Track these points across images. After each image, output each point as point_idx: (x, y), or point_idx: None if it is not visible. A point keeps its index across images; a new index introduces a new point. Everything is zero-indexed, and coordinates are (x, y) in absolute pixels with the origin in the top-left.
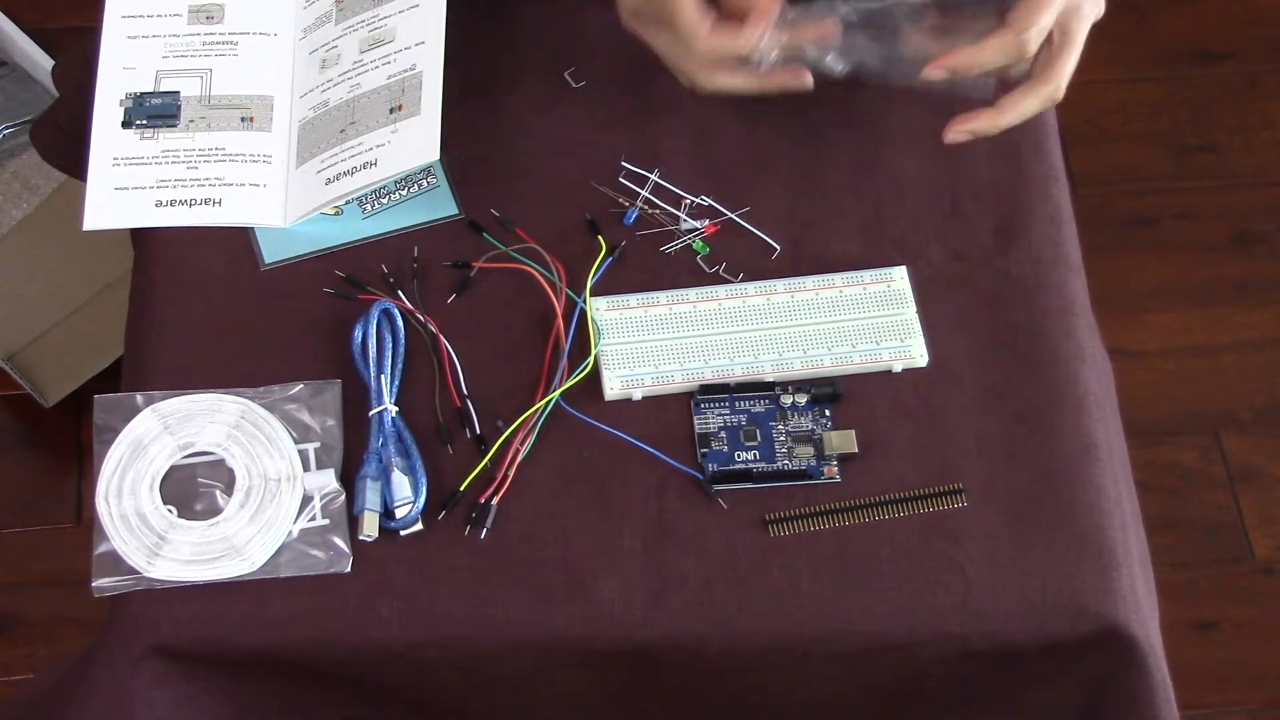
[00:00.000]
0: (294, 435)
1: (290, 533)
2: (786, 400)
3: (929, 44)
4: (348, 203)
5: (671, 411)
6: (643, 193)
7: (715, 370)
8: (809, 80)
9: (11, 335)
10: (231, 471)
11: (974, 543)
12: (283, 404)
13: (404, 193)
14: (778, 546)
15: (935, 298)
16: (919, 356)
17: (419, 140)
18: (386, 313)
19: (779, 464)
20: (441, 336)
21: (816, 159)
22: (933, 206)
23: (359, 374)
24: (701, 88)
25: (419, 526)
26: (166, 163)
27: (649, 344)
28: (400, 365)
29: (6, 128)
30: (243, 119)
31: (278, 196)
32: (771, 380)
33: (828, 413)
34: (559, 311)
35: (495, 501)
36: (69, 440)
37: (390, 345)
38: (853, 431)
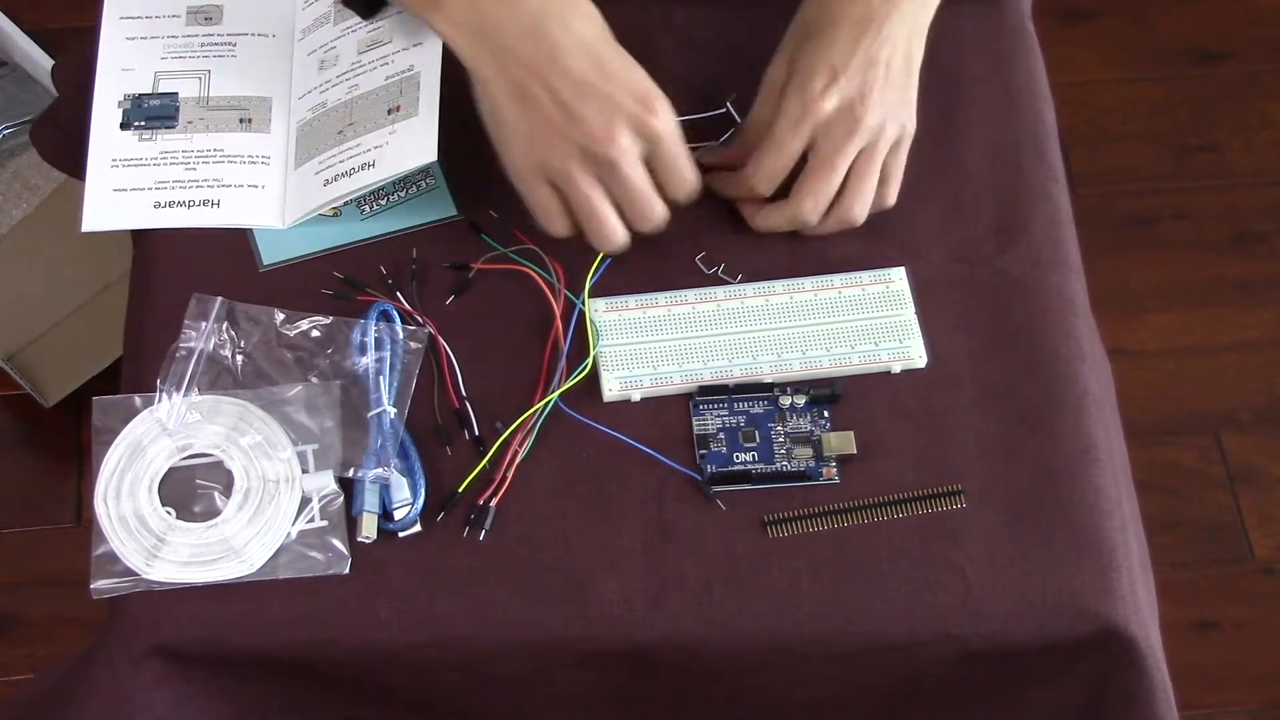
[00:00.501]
0: (292, 437)
1: (289, 534)
2: (785, 401)
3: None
4: (346, 204)
5: (670, 413)
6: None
7: (714, 371)
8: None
9: (11, 335)
10: (230, 473)
11: (974, 543)
12: (281, 405)
13: (403, 194)
14: (777, 547)
15: (934, 298)
16: (918, 357)
17: (417, 141)
18: (385, 314)
19: (778, 465)
20: (440, 338)
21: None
22: (932, 207)
23: (357, 375)
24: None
25: (418, 528)
26: (165, 164)
27: (648, 345)
28: (399, 366)
29: (6, 128)
30: (241, 120)
31: (276, 198)
32: (770, 381)
33: (826, 414)
34: (558, 313)
35: (494, 503)
36: (69, 440)
37: (389, 346)
38: (851, 433)
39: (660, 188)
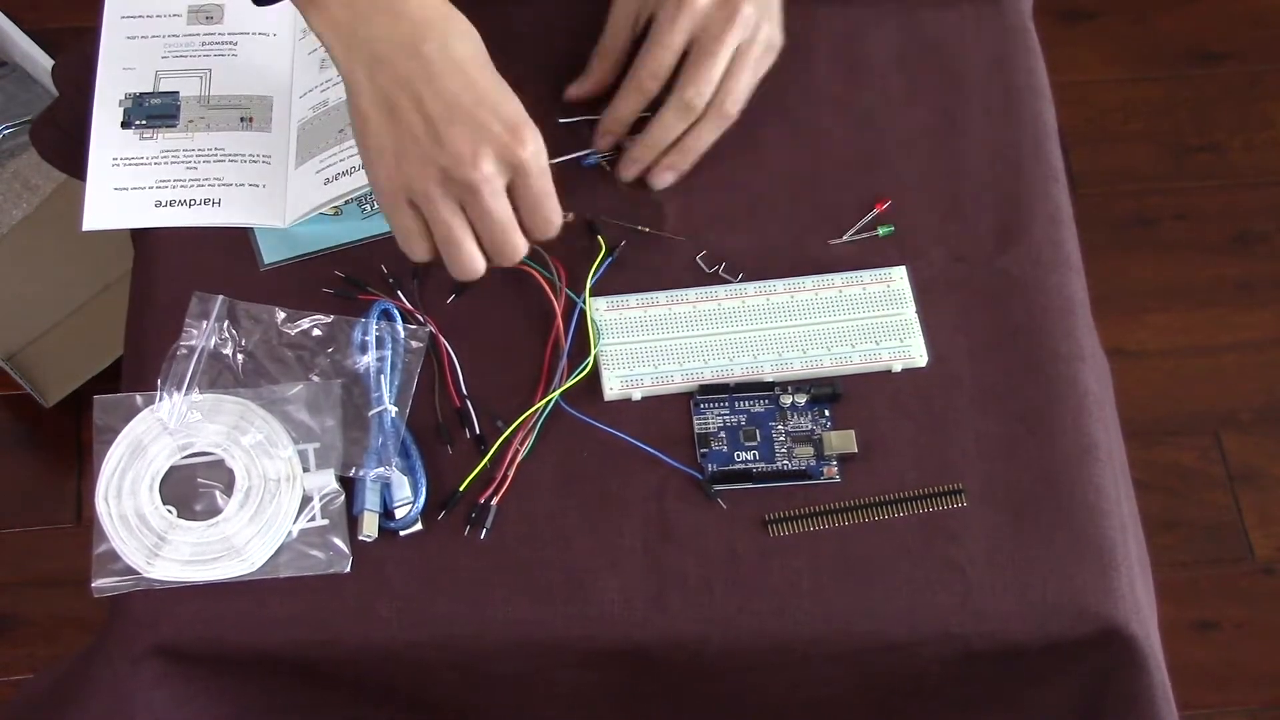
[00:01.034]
0: (293, 435)
1: (290, 533)
2: (786, 400)
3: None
4: (347, 203)
5: (671, 411)
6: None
7: (715, 370)
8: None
9: (11, 335)
10: (231, 472)
11: (974, 543)
12: (282, 404)
13: None
14: (778, 546)
15: (935, 298)
16: (919, 356)
17: None
18: (386, 313)
19: (779, 464)
20: (441, 336)
21: (816, 159)
22: (932, 207)
23: (358, 374)
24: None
25: (419, 527)
26: (166, 163)
27: (648, 344)
28: (400, 365)
29: (6, 128)
30: (242, 119)
31: (277, 197)
32: (771, 380)
33: (827, 413)
34: (558, 311)
35: (495, 502)
36: (69, 440)
37: (390, 345)
38: (852, 432)
39: (521, 222)
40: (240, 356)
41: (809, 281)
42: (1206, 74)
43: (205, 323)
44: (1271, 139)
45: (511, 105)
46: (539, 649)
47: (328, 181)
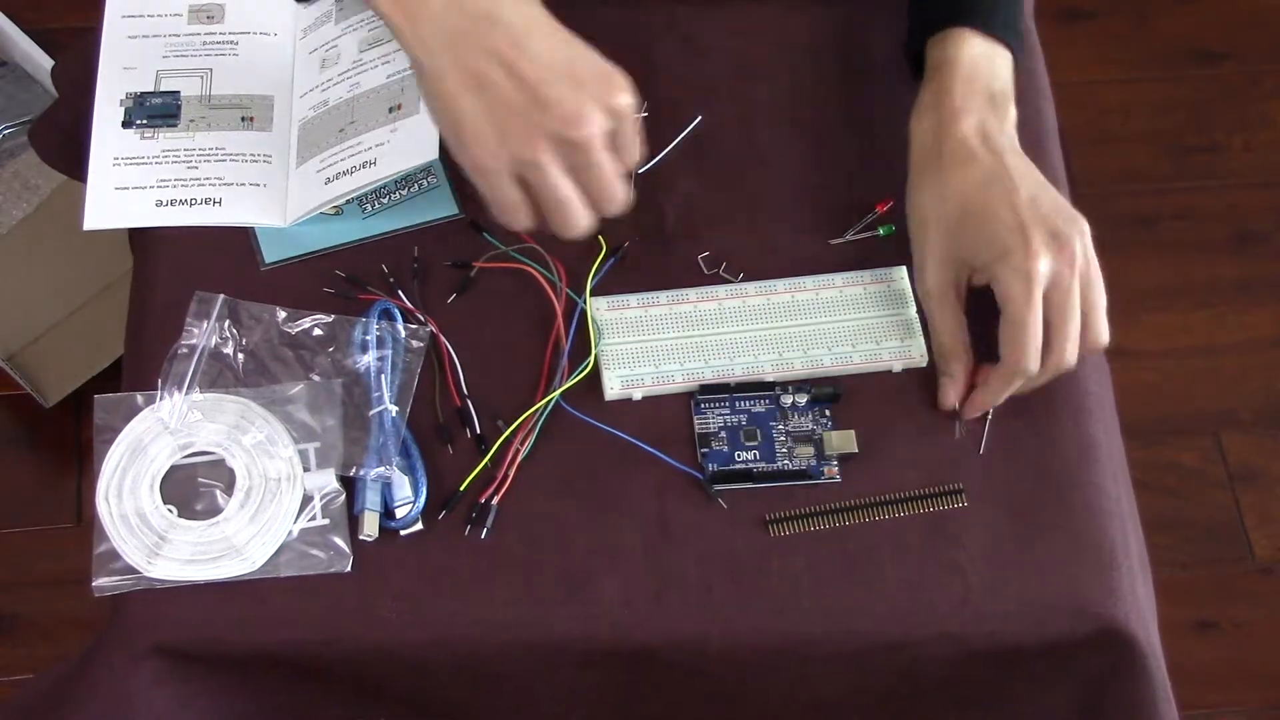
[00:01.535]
0: (294, 435)
1: (290, 533)
2: (787, 400)
3: None
4: (348, 202)
5: (672, 411)
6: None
7: (715, 370)
8: None
9: (11, 335)
10: (231, 471)
11: (974, 543)
12: (283, 404)
13: (404, 192)
14: (778, 546)
15: None
16: (919, 356)
17: (418, 139)
18: (387, 312)
19: (779, 464)
20: (442, 336)
21: (816, 159)
22: None
23: (359, 374)
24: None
25: (419, 526)
26: (166, 162)
27: (649, 344)
28: (400, 365)
29: (6, 128)
30: (243, 119)
31: (278, 196)
32: (772, 380)
33: (828, 413)
34: (559, 311)
35: (495, 501)
36: (69, 440)
37: (390, 345)
38: (853, 431)
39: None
40: (241, 356)
41: (810, 281)
42: (1206, 74)
43: (206, 322)
44: (1271, 139)
45: (593, 54)
46: (539, 649)
47: (328, 181)
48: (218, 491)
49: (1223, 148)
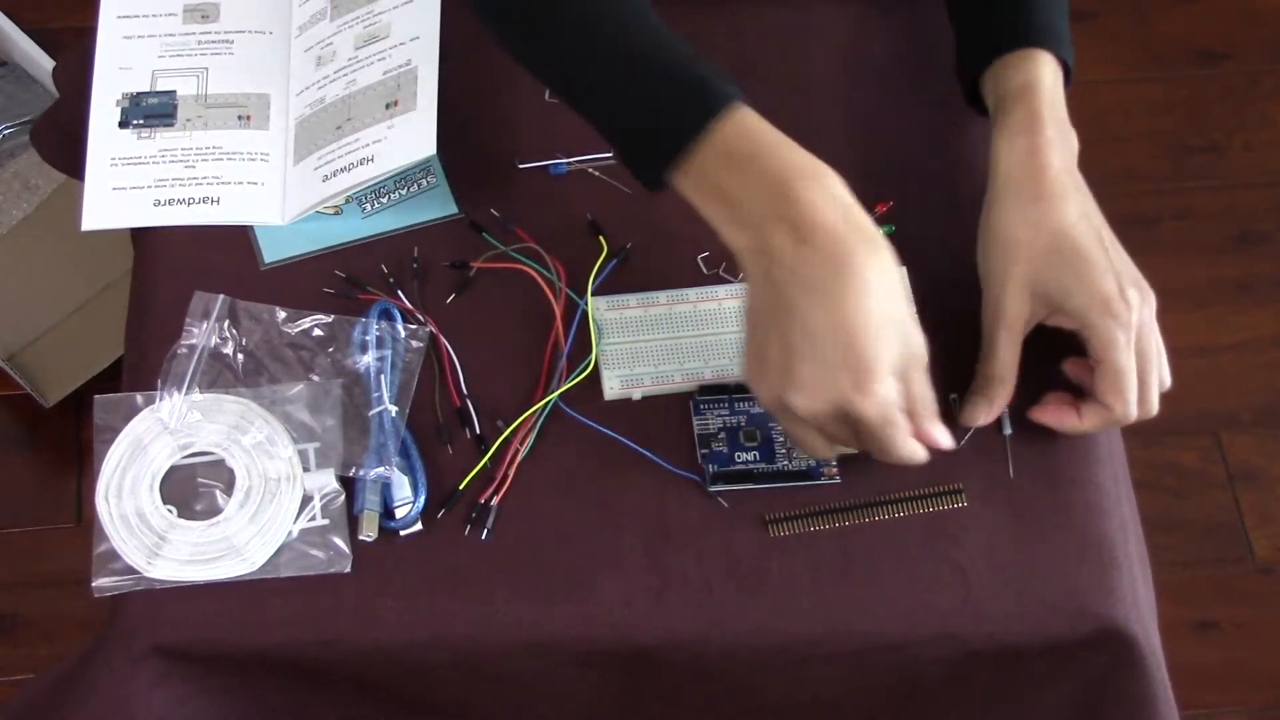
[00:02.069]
0: (294, 435)
1: (290, 533)
2: None
3: None
4: (347, 201)
5: (671, 412)
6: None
7: (715, 370)
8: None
9: (11, 335)
10: (231, 471)
11: (974, 543)
12: (283, 404)
13: (404, 192)
14: (778, 546)
15: (935, 297)
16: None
17: (415, 135)
18: (386, 313)
19: (779, 464)
20: (441, 336)
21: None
22: (932, 206)
23: (359, 374)
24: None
25: (419, 526)
26: (164, 162)
27: (649, 344)
28: (400, 365)
29: (6, 128)
30: (239, 117)
31: (275, 194)
32: None
33: None
34: (559, 312)
35: (495, 501)
36: (69, 440)
37: (390, 345)
38: None
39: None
40: (241, 356)
41: None
42: (1206, 74)
43: (206, 322)
44: (1271, 139)
45: (912, 337)
46: (539, 649)
47: (326, 178)
48: (217, 492)
49: (1223, 148)
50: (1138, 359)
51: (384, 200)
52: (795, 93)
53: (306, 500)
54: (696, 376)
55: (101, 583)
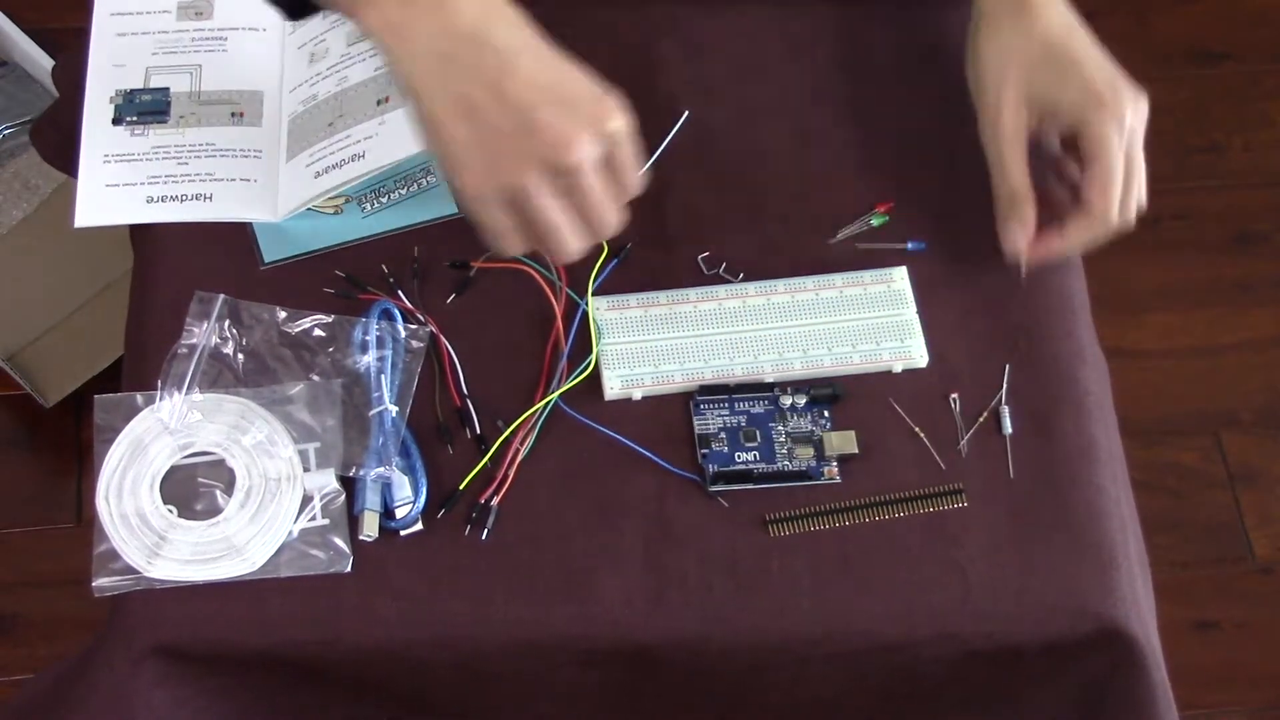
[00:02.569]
0: (294, 435)
1: (290, 533)
2: (786, 401)
3: None
4: (347, 201)
5: (672, 411)
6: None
7: (715, 370)
8: None
9: (11, 335)
10: (231, 471)
11: (974, 543)
12: (283, 404)
13: (404, 191)
14: (778, 546)
15: (935, 298)
16: (919, 357)
17: (406, 131)
18: (386, 312)
19: (779, 465)
20: (441, 336)
21: (816, 159)
22: (932, 207)
23: (359, 373)
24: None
25: (419, 526)
26: (157, 159)
27: (649, 344)
28: (400, 365)
29: (6, 128)
30: (232, 114)
31: (269, 190)
32: (771, 381)
33: (827, 414)
34: (559, 312)
35: (495, 501)
36: (69, 440)
37: (390, 345)
38: (853, 432)
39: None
40: (241, 356)
41: (809, 282)
42: (1206, 74)
43: (206, 322)
44: (1271, 139)
45: (586, 78)
46: (539, 649)
47: (319, 175)
48: (218, 491)
49: (1223, 148)
50: (1126, 162)
51: (384, 200)
52: (795, 93)
53: (306, 500)
54: (696, 376)
55: (101, 583)
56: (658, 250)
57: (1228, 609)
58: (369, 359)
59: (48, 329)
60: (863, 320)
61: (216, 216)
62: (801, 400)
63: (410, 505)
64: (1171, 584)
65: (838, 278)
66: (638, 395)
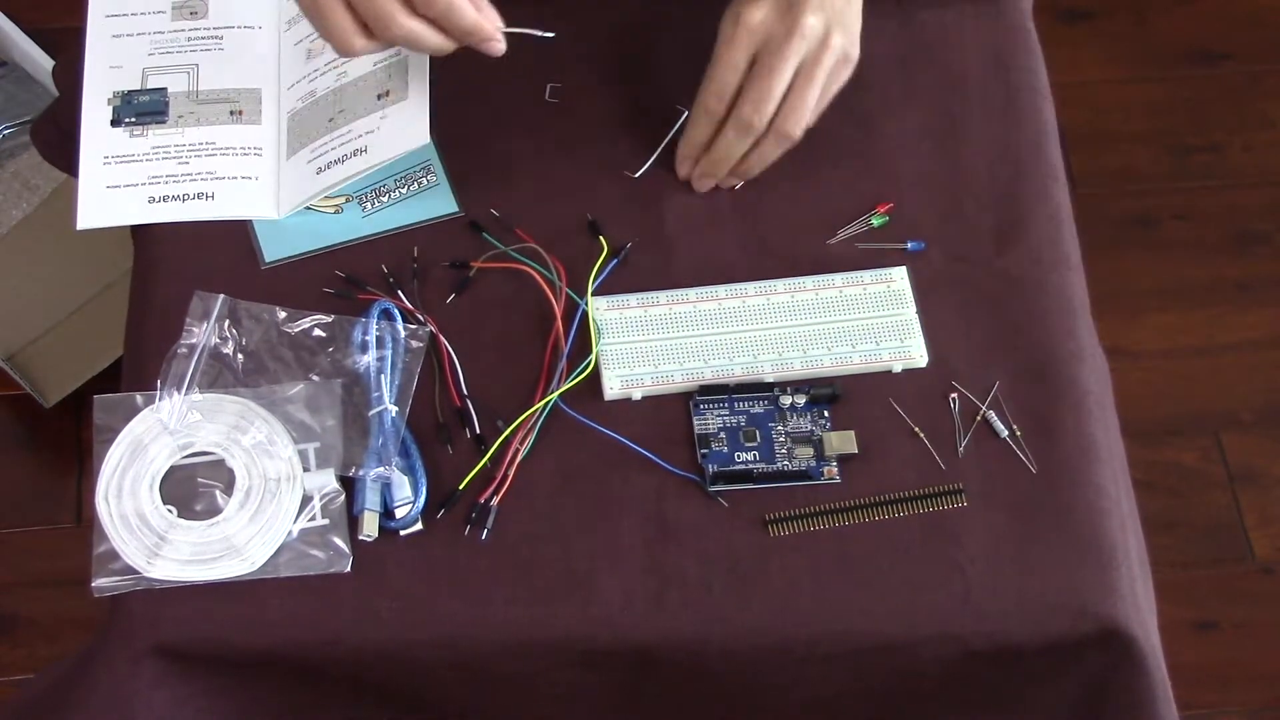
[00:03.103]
0: (294, 435)
1: (290, 533)
2: (785, 401)
3: None
4: (347, 200)
5: (671, 411)
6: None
7: (715, 370)
8: (499, 48)
9: (11, 335)
10: (231, 471)
11: (974, 543)
12: (283, 404)
13: (404, 191)
14: (778, 546)
15: (935, 298)
16: (919, 357)
17: (408, 125)
18: (386, 312)
19: (779, 465)
20: (441, 336)
21: (816, 160)
22: (932, 207)
23: (359, 373)
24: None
25: (419, 526)
26: (157, 159)
27: (649, 344)
28: (400, 365)
29: (6, 128)
30: (231, 112)
31: (269, 188)
32: (771, 381)
33: (826, 414)
34: (558, 312)
35: (495, 501)
36: (69, 440)
37: (390, 345)
38: (853, 432)
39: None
40: (240, 356)
41: (809, 282)
42: (1206, 74)
43: (205, 322)
44: (1271, 139)
45: None
46: (539, 649)
47: (320, 171)
48: (217, 492)
49: (1223, 148)
50: (756, 66)
51: (385, 199)
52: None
53: (306, 500)
54: (696, 376)
55: (101, 583)
56: (658, 250)
57: (1227, 609)
58: (369, 359)
59: (48, 329)
60: (862, 320)
61: (219, 215)
62: (801, 400)
63: (410, 505)
64: (1171, 584)
65: (837, 278)
66: (637, 395)
